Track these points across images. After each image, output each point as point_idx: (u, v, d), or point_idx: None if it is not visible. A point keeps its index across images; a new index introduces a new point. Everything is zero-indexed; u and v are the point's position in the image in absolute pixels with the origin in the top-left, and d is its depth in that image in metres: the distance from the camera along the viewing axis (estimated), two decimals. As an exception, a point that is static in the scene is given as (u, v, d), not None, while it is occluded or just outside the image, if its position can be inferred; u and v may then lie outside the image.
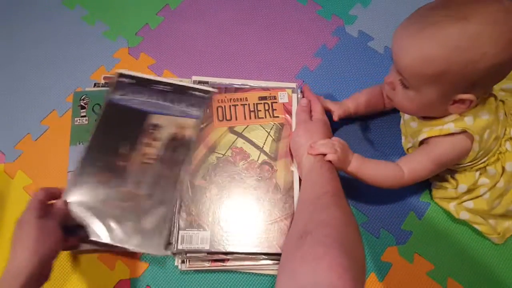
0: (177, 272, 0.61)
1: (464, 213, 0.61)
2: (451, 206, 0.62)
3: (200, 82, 0.69)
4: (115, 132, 0.64)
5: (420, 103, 0.51)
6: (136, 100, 0.66)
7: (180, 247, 0.58)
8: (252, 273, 0.61)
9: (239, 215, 0.60)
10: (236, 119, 0.66)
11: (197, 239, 0.58)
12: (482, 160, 0.56)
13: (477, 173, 0.58)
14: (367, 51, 0.76)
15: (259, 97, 0.67)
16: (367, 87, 0.69)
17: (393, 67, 0.52)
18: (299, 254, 0.40)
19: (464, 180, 0.58)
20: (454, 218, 0.63)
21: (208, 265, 0.60)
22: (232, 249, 0.58)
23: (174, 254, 0.59)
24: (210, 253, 0.58)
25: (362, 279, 0.40)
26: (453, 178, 0.60)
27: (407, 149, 0.63)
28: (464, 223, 0.63)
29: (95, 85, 0.71)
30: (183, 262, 0.60)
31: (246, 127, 0.65)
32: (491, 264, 0.62)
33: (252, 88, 0.68)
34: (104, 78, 0.72)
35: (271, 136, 0.65)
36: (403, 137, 0.64)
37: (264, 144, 0.64)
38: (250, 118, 0.66)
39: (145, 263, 0.62)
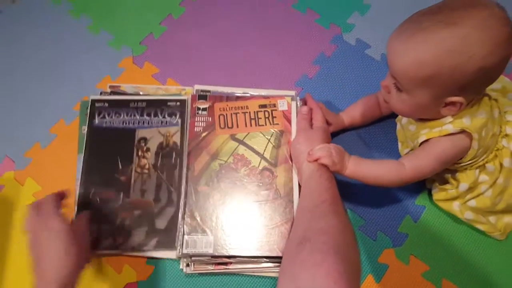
0: (182, 275, 0.63)
1: (468, 213, 0.63)
2: (455, 206, 0.63)
3: (202, 91, 0.71)
4: (108, 152, 0.67)
5: (413, 105, 0.54)
6: (117, 120, 0.69)
7: (185, 251, 0.60)
8: (254, 275, 0.63)
9: (241, 220, 0.62)
10: (237, 126, 0.68)
11: (201, 244, 0.60)
12: (482, 158, 0.58)
13: (477, 171, 0.59)
14: (364, 59, 0.79)
15: (259, 105, 0.69)
16: (364, 94, 0.71)
17: (389, 74, 0.55)
18: (299, 260, 0.43)
19: (465, 179, 0.60)
20: (449, 220, 0.65)
21: (212, 268, 0.62)
22: (234, 253, 0.60)
23: (179, 258, 0.62)
24: (213, 256, 0.61)
25: (357, 281, 0.43)
26: (454, 178, 0.62)
27: (404, 155, 0.65)
28: (458, 225, 0.65)
29: (101, 94, 0.73)
30: (187, 265, 0.62)
31: (247, 135, 0.68)
32: (484, 265, 0.64)
33: (253, 96, 0.70)
34: (110, 87, 0.74)
35: (271, 143, 0.67)
36: (399, 144, 0.67)
37: (264, 151, 0.66)
38: (251, 125, 0.68)
39: (151, 267, 0.64)
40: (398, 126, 0.67)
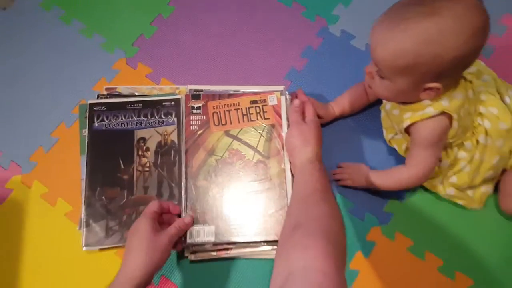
0: (187, 262, 0.68)
1: (450, 189, 0.68)
2: (438, 183, 0.68)
3: (196, 90, 0.74)
4: (110, 153, 0.71)
5: (394, 90, 0.57)
6: (115, 122, 0.72)
7: (188, 241, 0.65)
8: (253, 258, 0.68)
9: (240, 210, 0.67)
10: (231, 123, 0.72)
11: (203, 233, 0.65)
12: (460, 137, 0.62)
13: (456, 149, 0.64)
14: (349, 49, 0.81)
15: (250, 101, 0.73)
16: (351, 84, 0.75)
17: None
18: (292, 243, 0.48)
19: (445, 157, 0.65)
20: (431, 198, 0.70)
21: (215, 254, 0.67)
22: (235, 240, 0.65)
23: (184, 247, 0.67)
24: (215, 244, 0.66)
25: (343, 262, 0.48)
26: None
27: (389, 140, 0.70)
28: (439, 203, 0.70)
29: (98, 96, 0.76)
30: (192, 253, 0.67)
31: (240, 130, 0.71)
32: (463, 236, 0.69)
33: (244, 93, 0.73)
34: (106, 89, 0.77)
35: (263, 137, 0.71)
36: (384, 130, 0.71)
37: (257, 145, 0.70)
38: (244, 121, 0.72)
39: (158, 256, 0.69)
40: (383, 113, 0.71)
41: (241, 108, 0.72)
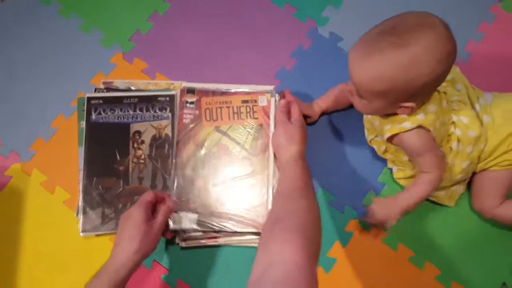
0: (178, 249, 0.73)
1: None
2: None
3: (189, 88, 0.77)
4: (106, 145, 0.74)
5: (372, 109, 0.62)
6: (112, 116, 0.75)
7: (172, 226, 0.69)
8: (240, 246, 0.73)
9: (223, 201, 0.72)
10: (222, 119, 0.75)
11: (186, 220, 0.70)
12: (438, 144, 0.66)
13: None
14: (337, 51, 0.85)
15: (242, 100, 0.76)
16: (336, 84, 0.78)
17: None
18: (272, 236, 0.53)
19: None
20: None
21: (204, 241, 0.72)
22: (216, 229, 0.70)
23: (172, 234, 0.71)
24: (204, 232, 0.71)
25: (316, 256, 0.53)
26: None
27: (370, 141, 0.74)
28: None
29: (95, 90, 0.79)
30: (183, 240, 0.72)
31: (230, 127, 0.75)
32: (434, 231, 0.74)
33: (236, 92, 0.77)
34: (103, 83, 0.80)
35: (251, 135, 0.74)
36: (365, 130, 0.75)
37: (245, 142, 0.74)
38: (234, 119, 0.75)
39: (151, 242, 0.74)
40: (364, 116, 0.74)
41: (233, 106, 0.76)
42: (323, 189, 0.77)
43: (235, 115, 0.75)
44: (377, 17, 0.86)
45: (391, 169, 0.77)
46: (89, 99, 0.76)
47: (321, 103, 0.78)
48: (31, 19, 0.87)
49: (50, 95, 0.82)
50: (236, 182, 0.73)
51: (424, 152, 0.64)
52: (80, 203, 0.72)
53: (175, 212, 0.70)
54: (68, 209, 0.75)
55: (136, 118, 0.76)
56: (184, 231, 0.71)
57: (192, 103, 0.76)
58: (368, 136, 0.74)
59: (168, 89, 0.79)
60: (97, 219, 0.72)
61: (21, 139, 0.79)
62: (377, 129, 0.69)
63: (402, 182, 0.76)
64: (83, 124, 0.76)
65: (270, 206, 0.71)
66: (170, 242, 0.73)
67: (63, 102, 0.81)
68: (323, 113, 0.80)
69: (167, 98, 0.77)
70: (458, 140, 0.67)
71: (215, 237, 0.72)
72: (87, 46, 0.85)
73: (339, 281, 0.72)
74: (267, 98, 0.76)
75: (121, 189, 0.73)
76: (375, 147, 0.74)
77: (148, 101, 0.77)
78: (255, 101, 0.76)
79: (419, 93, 0.57)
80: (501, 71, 0.83)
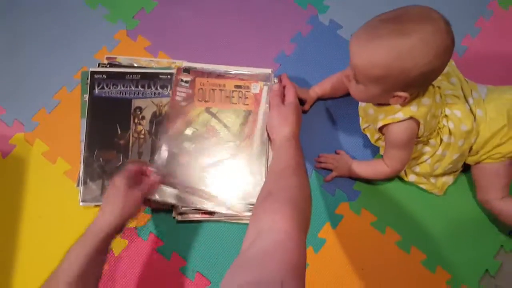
0: (174, 222, 0.75)
1: (412, 176, 0.76)
2: (402, 171, 0.76)
3: (186, 67, 0.79)
4: (108, 119, 0.76)
5: (367, 95, 0.63)
6: (114, 91, 0.77)
7: (153, 198, 0.71)
8: (233, 222, 0.76)
9: (204, 180, 0.73)
10: (213, 101, 0.77)
11: (165, 194, 0.72)
12: (426, 136, 0.69)
13: (420, 145, 0.71)
14: (336, 38, 0.87)
15: (235, 85, 0.78)
16: (335, 71, 0.80)
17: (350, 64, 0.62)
18: (263, 208, 0.55)
19: None
20: (397, 181, 0.78)
21: (199, 216, 0.74)
22: (196, 206, 0.72)
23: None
24: (175, 206, 0.73)
25: (306, 226, 0.55)
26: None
27: (363, 129, 0.76)
28: (402, 185, 0.78)
29: (99, 65, 0.80)
30: (179, 214, 0.74)
31: (220, 109, 0.77)
32: (421, 217, 0.77)
33: (231, 76, 0.78)
34: (107, 58, 0.81)
35: (240, 120, 0.76)
36: (360, 118, 0.76)
37: (233, 126, 0.76)
38: (225, 102, 0.77)
39: (148, 215, 0.76)
40: (360, 102, 0.76)
41: (226, 90, 0.77)
42: (316, 172, 0.80)
43: (227, 99, 0.77)
44: (376, 8, 0.88)
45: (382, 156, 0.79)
46: (92, 73, 0.78)
47: (317, 89, 0.80)
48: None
49: (54, 67, 0.84)
50: (220, 163, 0.74)
51: (402, 147, 0.68)
52: (81, 174, 0.75)
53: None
54: (68, 179, 0.77)
55: (138, 94, 0.78)
56: (162, 202, 0.73)
57: (186, 82, 0.77)
58: (362, 124, 0.76)
59: (169, 68, 0.81)
60: (97, 190, 0.74)
61: (24, 109, 0.81)
62: (371, 118, 0.71)
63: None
64: (86, 97, 0.78)
65: (252, 189, 0.73)
66: (166, 216, 0.76)
67: (66, 75, 0.83)
68: (318, 99, 0.81)
69: (168, 76, 0.79)
70: (450, 133, 0.69)
71: (211, 213, 0.74)
72: (91, 21, 0.86)
73: (328, 261, 0.75)
74: (260, 86, 0.78)
75: (121, 162, 0.75)
76: (368, 135, 0.76)
77: (150, 78, 0.78)
78: (248, 87, 0.78)
79: (414, 83, 0.59)
80: (496, 66, 0.86)
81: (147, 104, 0.78)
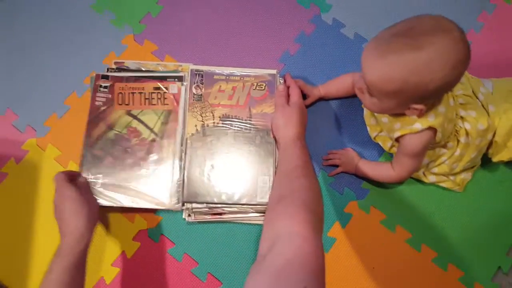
0: (185, 223, 0.76)
1: (431, 177, 0.75)
2: (421, 173, 0.75)
3: (197, 70, 0.80)
4: None
5: (381, 107, 0.62)
6: None
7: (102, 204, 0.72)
8: (243, 223, 0.76)
9: (130, 180, 0.74)
10: (133, 104, 0.77)
11: (98, 195, 0.73)
12: (444, 140, 0.67)
13: (438, 149, 0.70)
14: (339, 37, 0.86)
15: (153, 87, 0.78)
16: (338, 70, 0.81)
17: (362, 75, 0.60)
18: (277, 212, 0.55)
19: (426, 156, 0.70)
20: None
21: (209, 217, 0.75)
22: (123, 204, 0.73)
23: None
24: (209, 208, 0.74)
25: (320, 228, 0.55)
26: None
27: (374, 138, 0.75)
28: (412, 183, 0.77)
29: (108, 69, 0.81)
30: (189, 215, 0.75)
31: (141, 111, 0.77)
32: (431, 215, 0.77)
33: (149, 80, 0.79)
34: (115, 63, 0.83)
35: (160, 120, 0.77)
36: (367, 127, 0.75)
37: (154, 126, 0.77)
38: (145, 104, 0.77)
39: (159, 217, 0.77)
40: (365, 112, 0.75)
41: (145, 93, 0.78)
42: (324, 171, 0.80)
43: (147, 101, 0.78)
44: (378, 6, 0.89)
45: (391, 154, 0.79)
46: (98, 76, 0.79)
47: (322, 90, 0.80)
48: (47, 1, 0.90)
49: (64, 73, 0.85)
50: (143, 162, 0.75)
51: (416, 156, 0.67)
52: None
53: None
54: (80, 183, 0.79)
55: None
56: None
57: (105, 87, 0.78)
58: (372, 132, 0.75)
59: (176, 71, 0.82)
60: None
61: (36, 115, 0.82)
62: (385, 126, 0.69)
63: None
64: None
65: (175, 185, 0.74)
66: (176, 217, 0.77)
67: (76, 80, 0.84)
68: (321, 99, 0.81)
69: (176, 80, 0.80)
70: (467, 134, 0.68)
71: (220, 213, 0.75)
72: (99, 26, 0.87)
73: (339, 261, 0.75)
74: (178, 86, 0.79)
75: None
76: (380, 143, 0.75)
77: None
78: (166, 88, 0.79)
79: (430, 96, 0.57)
80: (500, 61, 0.84)
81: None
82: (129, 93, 0.77)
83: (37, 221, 0.77)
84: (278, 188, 0.62)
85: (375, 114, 0.71)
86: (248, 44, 0.87)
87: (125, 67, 0.82)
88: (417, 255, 0.75)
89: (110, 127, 0.76)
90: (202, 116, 0.77)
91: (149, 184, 0.74)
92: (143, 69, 0.83)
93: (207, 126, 0.77)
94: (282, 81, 0.80)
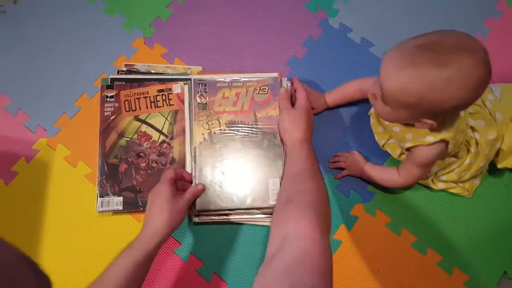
0: (192, 223, 0.77)
1: (441, 184, 0.75)
2: (429, 181, 0.75)
3: (200, 80, 0.80)
4: None
5: (393, 117, 0.62)
6: None
7: (100, 209, 0.75)
8: (250, 224, 0.77)
9: (147, 184, 0.75)
10: (140, 109, 0.79)
11: (113, 203, 0.75)
12: (455, 151, 0.67)
13: (447, 158, 0.70)
14: (346, 42, 0.88)
15: (157, 90, 0.79)
16: (345, 74, 0.82)
17: (377, 81, 0.59)
18: (285, 215, 0.56)
19: (435, 165, 0.70)
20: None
21: (216, 218, 0.76)
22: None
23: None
24: (215, 210, 0.74)
25: (328, 230, 0.56)
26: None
27: (382, 146, 0.75)
28: (417, 186, 0.77)
29: (118, 72, 0.83)
30: (196, 216, 0.75)
31: (148, 115, 0.79)
32: (437, 219, 0.77)
33: (152, 83, 0.80)
34: (125, 65, 0.84)
35: (168, 121, 0.78)
36: (375, 135, 0.75)
37: (162, 127, 0.78)
38: (151, 107, 0.79)
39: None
40: (372, 120, 0.75)
41: (149, 96, 0.79)
42: (330, 173, 0.80)
43: (152, 104, 0.79)
44: (385, 11, 0.90)
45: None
46: (112, 80, 0.81)
47: (327, 99, 0.80)
48: (60, 4, 0.91)
49: (75, 75, 0.86)
50: (156, 164, 0.76)
51: (424, 166, 0.67)
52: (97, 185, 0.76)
53: (102, 197, 0.75)
54: (89, 182, 0.80)
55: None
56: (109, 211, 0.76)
57: (111, 97, 0.79)
58: (380, 140, 0.75)
59: (185, 74, 0.83)
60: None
61: (47, 116, 0.84)
62: (396, 136, 0.69)
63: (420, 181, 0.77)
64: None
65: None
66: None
67: (86, 82, 0.85)
68: (327, 108, 0.82)
69: (184, 82, 0.81)
70: (477, 143, 0.68)
71: (227, 214, 0.76)
72: (110, 29, 0.89)
73: (344, 263, 0.75)
74: (181, 86, 0.80)
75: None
76: (389, 150, 0.75)
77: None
78: (170, 89, 0.80)
79: (446, 113, 0.57)
80: (507, 66, 0.85)
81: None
82: (135, 99, 0.79)
83: (47, 220, 0.78)
84: (286, 191, 0.63)
85: (385, 122, 0.70)
86: (256, 48, 0.88)
87: (135, 69, 0.84)
88: (423, 259, 0.75)
89: (121, 135, 0.78)
90: (208, 124, 0.78)
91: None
92: (153, 71, 0.84)
93: (214, 133, 0.77)
94: (289, 84, 0.80)
